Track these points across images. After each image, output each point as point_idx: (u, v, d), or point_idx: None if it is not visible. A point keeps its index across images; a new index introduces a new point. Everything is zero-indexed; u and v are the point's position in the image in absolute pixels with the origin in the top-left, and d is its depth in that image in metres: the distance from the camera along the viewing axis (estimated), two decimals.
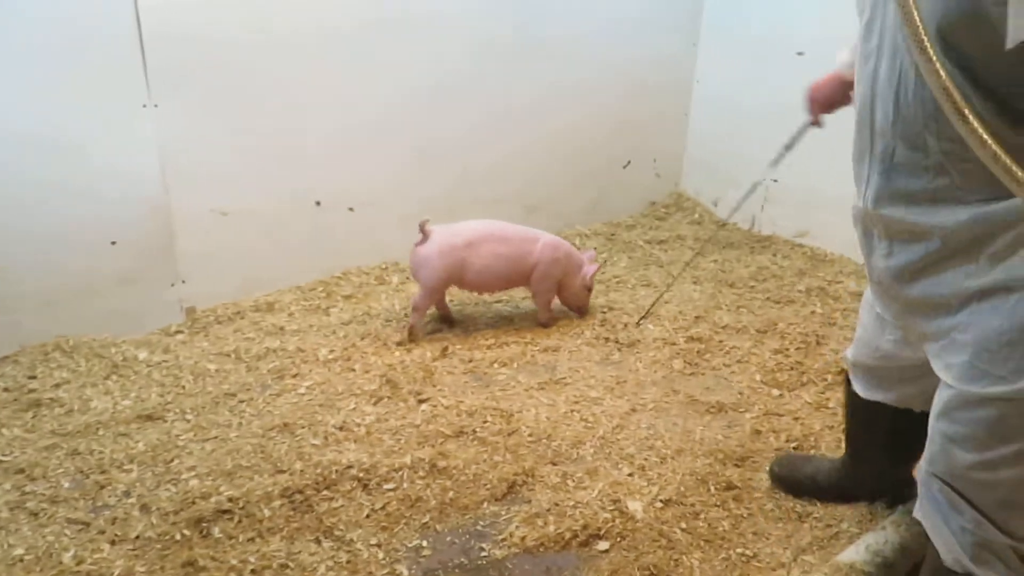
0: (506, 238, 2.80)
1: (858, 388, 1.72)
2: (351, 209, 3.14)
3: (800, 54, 3.47)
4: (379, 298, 3.06)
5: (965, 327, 1.20)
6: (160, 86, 2.54)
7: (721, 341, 2.81)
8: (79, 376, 2.44)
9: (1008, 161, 0.94)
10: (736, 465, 2.13)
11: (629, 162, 3.98)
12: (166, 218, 2.67)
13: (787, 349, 2.76)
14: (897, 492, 1.91)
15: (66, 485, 1.97)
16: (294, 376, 2.50)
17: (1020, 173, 0.93)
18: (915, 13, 1.01)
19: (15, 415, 2.25)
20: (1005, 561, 1.27)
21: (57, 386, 2.39)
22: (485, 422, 2.27)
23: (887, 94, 1.19)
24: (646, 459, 2.14)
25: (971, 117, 0.97)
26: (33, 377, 2.42)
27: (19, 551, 1.73)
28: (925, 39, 1.00)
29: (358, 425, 2.23)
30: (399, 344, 2.71)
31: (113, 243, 2.58)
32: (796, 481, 2.02)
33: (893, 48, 1.17)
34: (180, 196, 2.69)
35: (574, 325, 2.90)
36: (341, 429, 2.22)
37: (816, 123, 2.00)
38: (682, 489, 2.00)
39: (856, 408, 1.80)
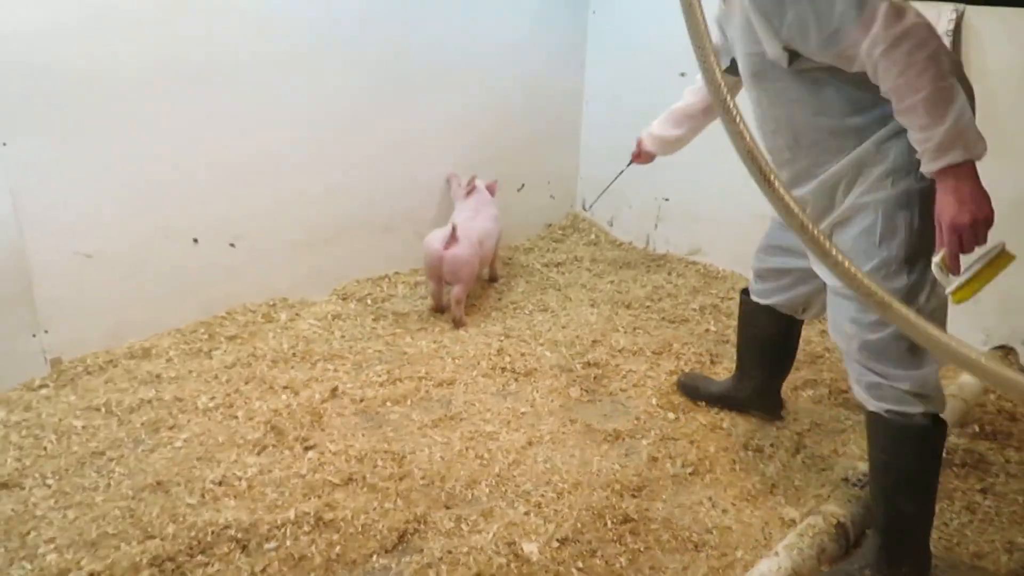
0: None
1: (757, 294, 2.24)
2: (232, 244, 2.99)
3: (683, 75, 3.53)
4: (266, 337, 2.91)
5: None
6: (8, 122, 2.35)
7: (618, 365, 2.80)
8: None
9: (815, 232, 1.23)
10: (633, 495, 2.10)
11: (523, 185, 3.96)
12: (22, 263, 2.47)
13: (682, 369, 2.77)
14: (771, 407, 2.46)
15: None
16: (170, 428, 2.34)
17: (826, 244, 1.24)
18: (719, 81, 1.25)
19: None
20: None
21: None
22: (375, 467, 2.17)
23: (758, 128, 1.81)
24: (543, 495, 2.09)
25: (776, 184, 1.20)
26: None
27: None
28: (730, 103, 1.23)
29: (239, 479, 2.10)
30: (455, 323, 3.11)
31: None
32: (695, 389, 2.57)
33: (751, 96, 1.83)
34: (37, 239, 2.48)
35: (470, 356, 2.83)
36: (220, 484, 2.08)
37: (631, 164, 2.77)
38: (579, 526, 1.96)
39: (747, 320, 2.34)
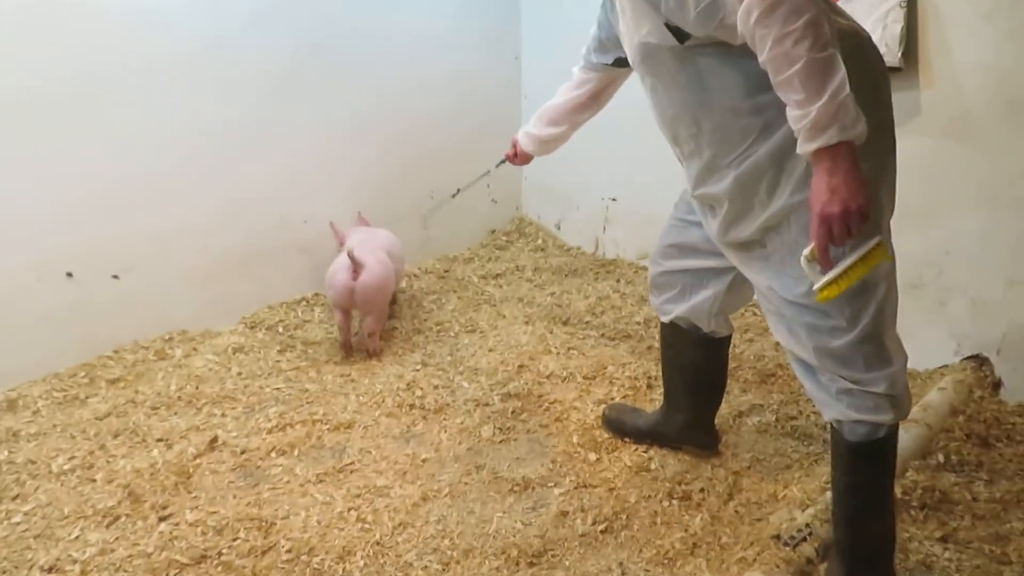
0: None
1: (658, 310, 2.04)
2: (115, 276, 2.69)
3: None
4: (154, 378, 2.62)
5: (771, 254, 1.58)
6: None
7: (542, 396, 2.49)
8: None
9: None
10: (531, 563, 1.80)
11: (458, 190, 3.64)
12: None
13: (613, 398, 2.46)
14: (705, 441, 2.16)
15: None
16: (14, 498, 2.04)
17: None
18: None
19: None
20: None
21: None
22: (236, 539, 1.87)
23: (659, 117, 1.67)
24: (426, 567, 1.78)
25: None
26: None
27: None
28: None
29: (73, 563, 1.80)
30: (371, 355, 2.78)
31: None
32: (621, 424, 2.27)
33: (646, 84, 1.65)
34: None
35: (376, 391, 2.53)
36: (50, 571, 1.78)
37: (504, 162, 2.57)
38: None
39: (665, 344, 2.10)
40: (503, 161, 2.55)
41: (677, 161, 1.74)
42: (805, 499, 1.95)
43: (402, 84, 3.32)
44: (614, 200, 3.55)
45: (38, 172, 2.46)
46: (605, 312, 3.09)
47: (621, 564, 1.79)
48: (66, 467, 2.16)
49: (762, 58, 1.30)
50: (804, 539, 1.75)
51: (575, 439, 2.26)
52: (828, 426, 1.64)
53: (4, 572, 1.79)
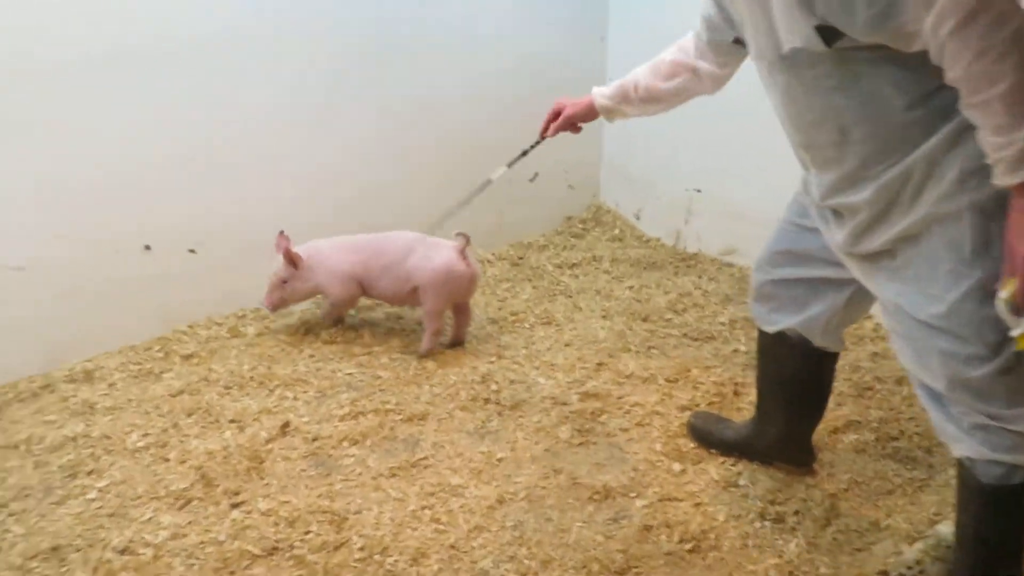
0: None
1: (761, 320, 1.87)
2: (192, 251, 2.67)
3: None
4: (227, 357, 2.59)
5: (902, 267, 1.43)
6: None
7: (621, 397, 2.38)
8: None
9: None
10: None
11: (537, 174, 3.53)
12: None
13: (698, 404, 2.33)
14: (799, 457, 2.02)
15: None
16: (89, 473, 2.04)
17: None
18: None
19: None
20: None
21: None
22: (308, 533, 1.82)
23: (791, 121, 1.49)
24: None
25: None
26: None
27: None
28: None
29: (146, 546, 1.77)
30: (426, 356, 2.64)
31: None
32: (707, 434, 2.13)
33: (777, 83, 1.46)
34: None
35: (450, 383, 2.45)
36: (123, 552, 1.76)
37: (546, 137, 2.25)
38: None
39: (764, 354, 1.94)
40: (535, 145, 2.32)
41: (767, 154, 1.59)
42: (912, 531, 1.81)
43: (478, 69, 3.22)
44: (699, 191, 3.39)
45: (120, 145, 2.44)
46: (687, 310, 2.96)
47: None
48: (140, 444, 2.14)
49: (953, 75, 1.14)
50: None
51: (658, 447, 2.15)
52: (957, 463, 1.49)
53: (78, 550, 1.77)
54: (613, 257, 3.43)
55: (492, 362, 2.59)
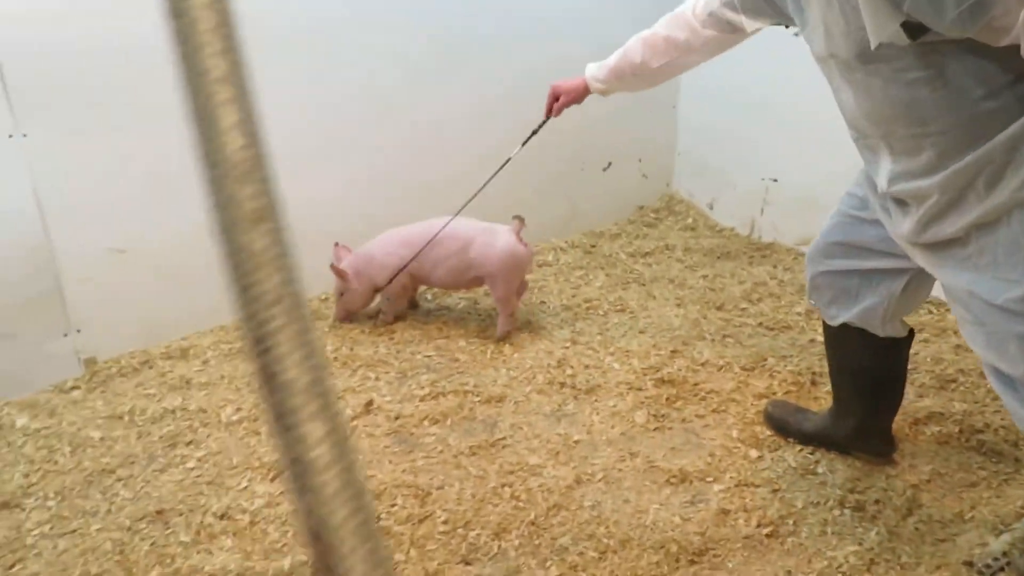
0: None
1: (823, 312, 1.88)
2: None
3: (797, 34, 3.01)
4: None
5: (974, 254, 1.42)
6: (26, 112, 2.20)
7: (697, 384, 2.39)
8: None
9: None
10: (692, 561, 1.72)
11: (610, 163, 3.55)
12: (49, 261, 2.34)
13: (774, 393, 2.33)
14: (879, 448, 2.00)
15: None
16: (188, 444, 2.16)
17: None
18: None
19: None
20: None
21: None
22: (394, 505, 1.90)
23: (865, 116, 1.46)
24: (581, 554, 1.74)
25: None
26: None
27: None
28: None
29: (242, 512, 1.88)
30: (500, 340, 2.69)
31: None
32: (784, 424, 2.13)
33: (851, 80, 1.44)
34: (64, 236, 2.35)
35: (527, 366, 2.50)
36: (222, 518, 1.87)
37: (552, 117, 2.33)
38: None
39: (833, 344, 1.94)
40: (542, 124, 2.40)
41: (846, 143, 1.61)
42: (998, 523, 1.78)
43: (543, 59, 3.23)
44: (775, 181, 3.36)
45: None
46: (762, 300, 2.94)
47: (789, 573, 1.69)
48: (234, 418, 2.25)
49: None
50: (1001, 569, 1.60)
51: (734, 433, 2.16)
52: None
53: (180, 514, 1.88)
54: (686, 246, 3.43)
55: (567, 347, 2.63)
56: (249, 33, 2.37)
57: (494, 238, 2.64)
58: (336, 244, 2.75)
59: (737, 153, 3.48)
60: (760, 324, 2.77)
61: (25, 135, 2.22)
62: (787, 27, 1.71)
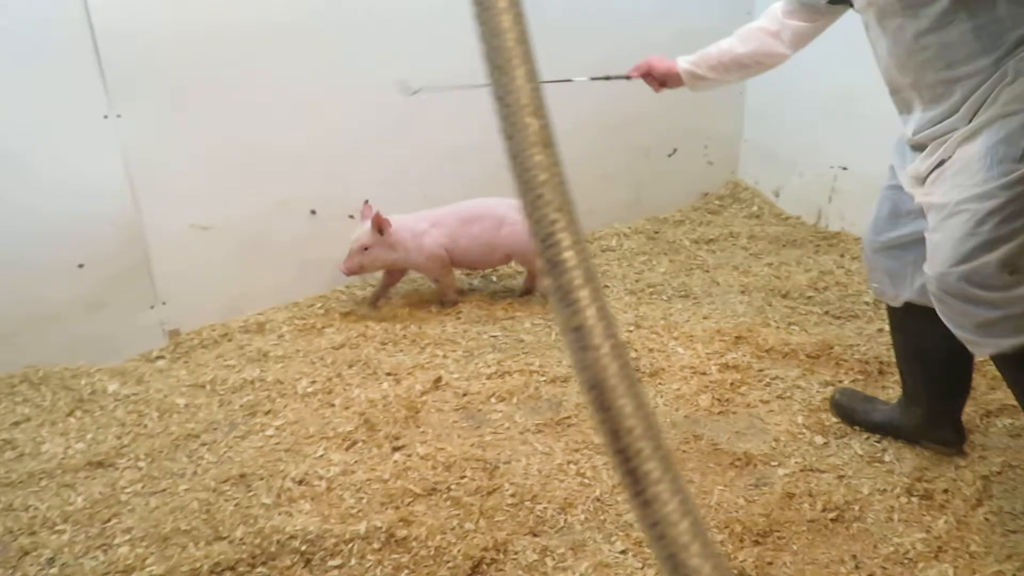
0: None
1: (885, 295, 1.89)
2: (352, 216, 2.86)
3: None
4: (381, 316, 2.78)
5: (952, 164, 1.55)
6: (121, 93, 2.32)
7: (762, 370, 2.40)
8: (41, 413, 2.27)
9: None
10: (756, 542, 1.75)
11: (676, 149, 3.55)
12: (139, 236, 2.47)
13: (840, 381, 2.32)
14: (948, 438, 1.97)
15: None
16: (267, 413, 2.26)
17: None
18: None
19: None
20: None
21: (15, 424, 2.23)
22: (463, 477, 1.96)
23: (898, 65, 1.57)
24: None
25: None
26: None
27: None
28: None
29: (320, 479, 1.97)
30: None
31: (80, 265, 2.39)
32: (851, 412, 2.12)
33: (886, 28, 1.56)
34: (153, 212, 2.47)
35: None
36: (300, 483, 1.96)
37: (630, 78, 2.26)
38: None
39: (898, 329, 1.94)
40: (627, 77, 2.29)
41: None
42: None
43: (622, 47, 3.23)
44: (845, 169, 3.32)
45: (292, 117, 2.64)
46: (828, 288, 2.92)
47: (855, 557, 1.70)
48: (309, 390, 2.35)
49: None
50: None
51: (799, 419, 2.16)
52: None
53: (261, 478, 1.98)
54: (751, 234, 3.41)
55: (631, 331, 2.66)
56: (376, 24, 2.41)
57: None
58: (366, 202, 2.75)
59: (805, 141, 3.44)
60: (826, 312, 2.75)
61: (119, 116, 2.34)
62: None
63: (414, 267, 2.83)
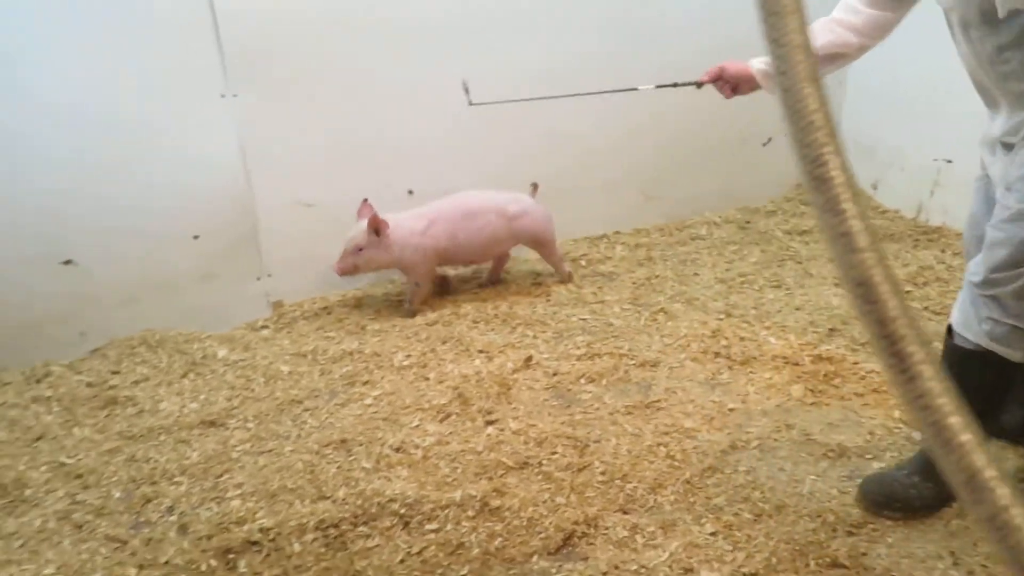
0: None
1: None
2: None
3: None
4: (472, 296, 2.85)
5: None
6: (238, 74, 2.44)
7: (856, 363, 2.36)
8: (158, 373, 2.43)
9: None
10: (849, 533, 1.74)
11: (770, 139, 3.50)
12: (249, 211, 2.60)
13: None
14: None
15: (116, 495, 1.94)
16: (365, 383, 2.35)
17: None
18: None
19: (91, 412, 2.27)
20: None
21: (136, 383, 2.39)
22: (554, 453, 2.01)
23: (978, 62, 1.56)
24: (736, 514, 1.79)
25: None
26: (116, 372, 2.44)
27: (50, 570, 1.69)
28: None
29: (416, 447, 2.04)
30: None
31: (196, 237, 2.53)
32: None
33: (971, 38, 1.54)
34: (263, 188, 2.60)
35: (681, 335, 2.55)
36: (398, 450, 2.04)
37: (700, 85, 2.20)
38: (773, 561, 1.65)
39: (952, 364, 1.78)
40: (698, 84, 2.21)
41: None
42: None
43: (718, 27, 3.20)
44: (949, 162, 3.21)
45: (392, 104, 2.73)
46: (928, 284, 2.84)
47: (953, 554, 1.67)
48: (405, 363, 2.43)
49: None
50: None
51: (896, 414, 2.13)
52: None
53: (361, 444, 2.07)
54: None
55: (721, 319, 2.65)
56: (465, 20, 2.47)
57: (528, 205, 2.81)
58: (365, 200, 2.68)
59: (908, 133, 3.34)
60: (926, 308, 2.68)
61: (236, 95, 2.46)
62: None
63: (403, 267, 2.73)
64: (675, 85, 2.34)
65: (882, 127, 3.48)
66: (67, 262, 2.41)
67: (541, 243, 2.87)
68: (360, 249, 2.62)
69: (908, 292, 2.79)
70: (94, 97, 2.30)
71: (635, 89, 2.36)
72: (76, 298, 2.46)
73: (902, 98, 3.34)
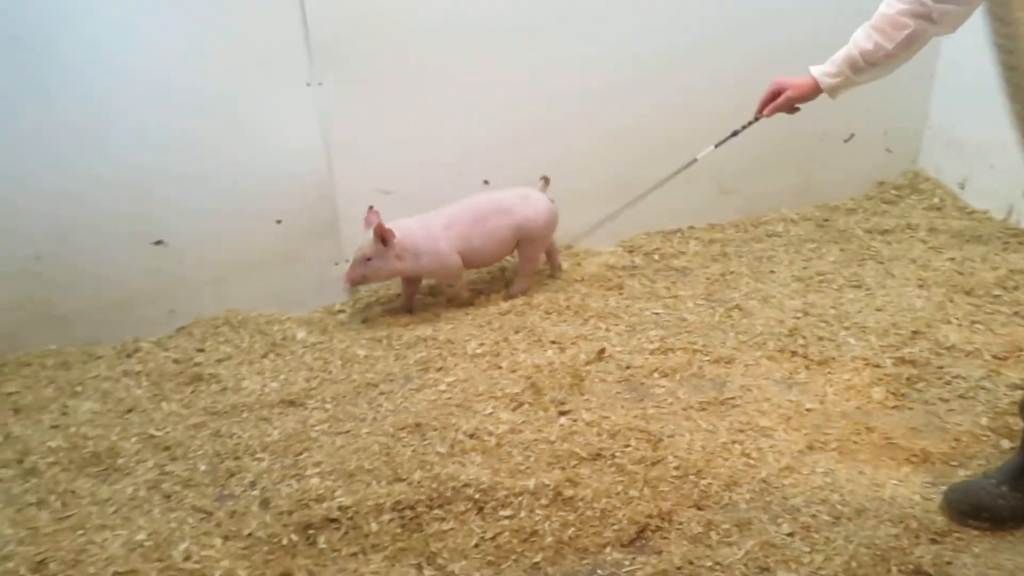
0: None
1: None
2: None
3: None
4: (545, 288, 2.86)
5: None
6: (323, 64, 2.50)
7: (941, 367, 2.29)
8: (240, 353, 2.51)
9: None
10: (933, 541, 1.69)
11: (852, 135, 3.40)
12: (330, 197, 2.66)
13: None
14: None
15: (202, 468, 2.01)
16: (438, 370, 2.39)
17: None
18: None
19: (177, 388, 2.36)
20: None
21: (219, 361, 2.47)
22: (627, 446, 2.00)
23: None
24: (814, 516, 1.76)
25: None
26: (201, 350, 2.53)
27: (141, 536, 1.76)
28: None
29: (489, 434, 2.06)
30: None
31: (278, 221, 2.61)
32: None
33: None
34: (343, 175, 2.66)
35: (756, 332, 2.51)
36: (471, 437, 2.06)
37: (763, 116, 2.20)
38: (853, 565, 1.62)
39: None
40: (748, 125, 2.28)
41: None
42: None
43: (797, 19, 3.13)
44: None
45: (470, 97, 2.76)
46: (1019, 287, 2.73)
47: None
48: (478, 351, 2.46)
49: None
50: None
51: (983, 421, 2.05)
52: None
53: (435, 429, 2.10)
54: (931, 227, 3.23)
55: (798, 318, 2.60)
56: (518, 24, 2.49)
57: (533, 201, 2.73)
58: (371, 208, 2.62)
59: (1000, 130, 3.18)
60: (1016, 313, 2.58)
61: (320, 84, 2.51)
62: None
63: (427, 275, 2.73)
64: (735, 134, 2.36)
65: (972, 122, 3.34)
66: (158, 242, 2.51)
67: (526, 244, 2.76)
68: (368, 259, 2.57)
69: (997, 296, 2.69)
70: (186, 81, 2.38)
71: (695, 160, 2.50)
72: (165, 277, 2.56)
73: (994, 91, 3.20)
